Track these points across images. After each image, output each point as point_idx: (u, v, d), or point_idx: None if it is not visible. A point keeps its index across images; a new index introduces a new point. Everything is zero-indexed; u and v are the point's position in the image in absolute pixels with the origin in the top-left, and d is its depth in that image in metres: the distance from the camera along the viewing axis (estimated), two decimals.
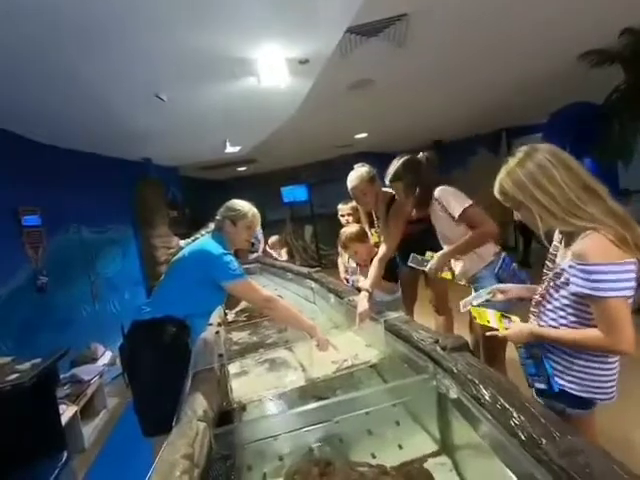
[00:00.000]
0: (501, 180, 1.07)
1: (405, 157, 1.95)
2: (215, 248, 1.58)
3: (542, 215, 1.00)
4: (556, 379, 1.07)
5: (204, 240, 1.66)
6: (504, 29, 2.63)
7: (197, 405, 1.16)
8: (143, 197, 4.63)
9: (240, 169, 7.06)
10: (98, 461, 2.45)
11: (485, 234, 1.77)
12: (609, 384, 1.04)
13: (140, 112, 2.88)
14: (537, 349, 1.10)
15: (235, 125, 3.67)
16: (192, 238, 1.74)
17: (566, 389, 1.06)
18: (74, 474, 1.92)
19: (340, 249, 2.90)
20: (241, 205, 1.75)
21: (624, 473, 0.62)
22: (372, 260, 2.08)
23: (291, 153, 6.32)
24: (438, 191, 1.86)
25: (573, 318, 1.02)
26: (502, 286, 1.34)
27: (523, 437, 0.80)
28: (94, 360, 3.10)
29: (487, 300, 1.34)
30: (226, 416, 1.29)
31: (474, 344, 1.88)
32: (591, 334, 0.96)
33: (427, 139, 6.65)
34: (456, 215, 1.78)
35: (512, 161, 1.05)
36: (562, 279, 1.02)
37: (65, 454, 1.79)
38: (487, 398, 0.95)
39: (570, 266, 0.97)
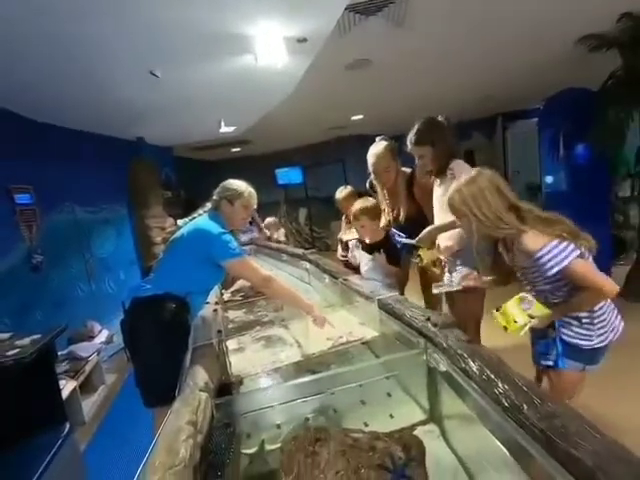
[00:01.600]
0: (452, 195, 1.32)
1: (428, 118, 1.81)
2: (214, 227, 1.59)
3: (477, 225, 1.27)
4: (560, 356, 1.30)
5: (202, 219, 1.67)
6: (503, 12, 2.60)
7: (198, 377, 1.21)
8: (137, 177, 4.58)
9: (234, 150, 6.97)
10: (98, 434, 2.54)
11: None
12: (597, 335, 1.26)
13: (134, 89, 2.82)
14: (552, 330, 1.31)
15: (230, 104, 3.61)
16: (190, 217, 1.75)
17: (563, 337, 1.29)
18: (76, 445, 1.98)
19: (344, 224, 2.93)
20: (238, 184, 1.76)
21: (595, 432, 0.69)
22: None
23: (286, 135, 6.24)
24: (455, 163, 1.76)
25: (555, 293, 1.28)
26: (472, 274, 1.55)
27: (507, 404, 0.86)
28: (91, 338, 3.15)
29: (458, 285, 1.54)
30: (225, 388, 1.35)
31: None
32: (583, 295, 1.19)
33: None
34: None
35: (461, 182, 1.31)
36: (532, 274, 1.29)
37: (67, 425, 1.84)
38: (474, 370, 1.01)
39: (531, 264, 1.24)
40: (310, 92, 3.69)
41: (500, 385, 0.90)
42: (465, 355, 1.06)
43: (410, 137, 1.85)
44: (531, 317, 1.23)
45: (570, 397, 1.34)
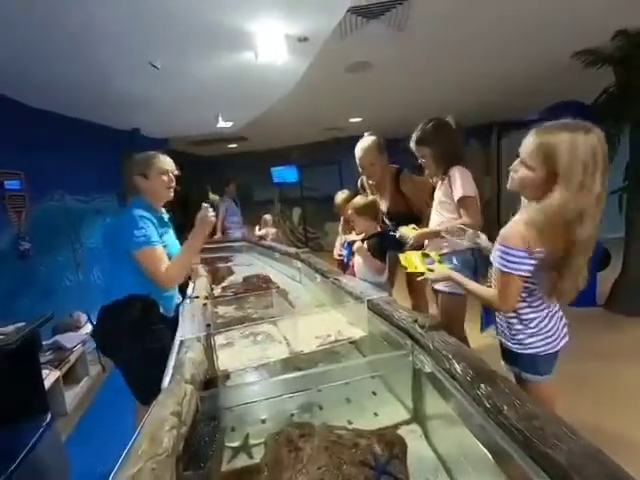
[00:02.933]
0: (535, 139, 1.12)
1: (435, 119, 1.80)
2: (125, 215, 1.51)
3: (551, 185, 1.06)
4: (492, 326, 1.40)
5: (123, 211, 1.60)
6: (503, 20, 2.65)
7: (185, 370, 1.21)
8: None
9: (231, 146, 6.95)
10: (80, 425, 2.51)
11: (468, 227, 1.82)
12: (543, 339, 1.27)
13: (133, 79, 2.81)
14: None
15: (228, 99, 3.61)
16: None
17: (511, 348, 1.32)
18: (58, 435, 1.96)
19: (341, 226, 2.96)
20: (146, 154, 1.66)
21: (571, 434, 0.71)
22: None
23: (283, 133, 6.25)
24: (455, 169, 1.78)
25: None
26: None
27: (488, 405, 0.88)
28: (77, 328, 3.11)
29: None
30: (212, 382, 1.35)
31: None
32: (488, 291, 1.28)
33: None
34: (457, 196, 1.73)
35: (554, 127, 1.09)
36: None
37: (49, 415, 1.82)
38: (459, 371, 1.03)
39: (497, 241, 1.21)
40: (309, 92, 3.70)
41: (482, 386, 0.92)
42: (450, 356, 1.08)
43: (413, 136, 1.85)
44: (430, 270, 1.39)
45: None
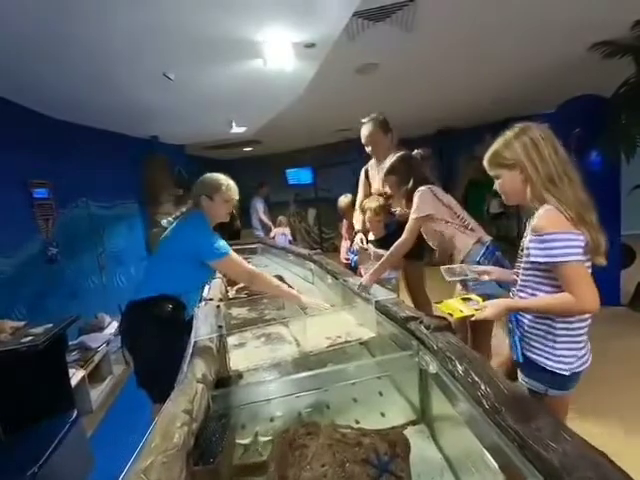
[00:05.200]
0: (497, 147, 1.18)
1: (401, 152, 2.02)
2: (197, 227, 1.61)
3: (523, 183, 1.11)
4: (523, 351, 1.17)
5: (186, 219, 1.68)
6: (515, 18, 2.60)
7: (197, 369, 1.26)
8: (149, 174, 4.70)
9: (246, 149, 7.07)
10: (104, 422, 2.63)
11: (400, 246, 1.89)
12: (571, 357, 1.11)
13: (148, 90, 2.92)
14: (512, 325, 1.20)
15: (241, 106, 3.69)
16: (173, 217, 1.76)
17: (536, 362, 1.14)
18: (83, 431, 2.06)
19: (344, 229, 2.99)
20: (215, 178, 1.74)
21: (567, 435, 0.71)
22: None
23: (296, 136, 6.31)
24: (418, 190, 1.91)
25: (541, 288, 1.12)
26: (487, 268, 1.45)
27: (487, 406, 0.89)
28: (101, 329, 3.25)
29: (473, 279, 1.42)
30: (223, 381, 1.40)
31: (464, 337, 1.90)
32: (558, 297, 1.04)
33: (434, 126, 6.60)
34: (411, 216, 1.88)
35: (509, 133, 1.16)
36: (526, 256, 1.14)
37: (75, 412, 1.92)
38: (460, 372, 1.04)
39: (530, 240, 1.09)
40: (320, 95, 3.74)
41: (482, 387, 0.93)
42: (453, 357, 1.09)
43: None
44: (477, 310, 1.17)
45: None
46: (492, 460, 0.86)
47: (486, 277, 1.41)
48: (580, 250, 1.02)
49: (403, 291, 2.54)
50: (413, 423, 1.29)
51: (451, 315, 1.19)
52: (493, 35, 2.89)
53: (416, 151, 2.05)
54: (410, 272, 2.40)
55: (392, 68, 3.35)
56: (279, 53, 2.24)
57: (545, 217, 1.05)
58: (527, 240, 1.12)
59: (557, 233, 1.01)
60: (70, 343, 2.72)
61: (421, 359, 1.28)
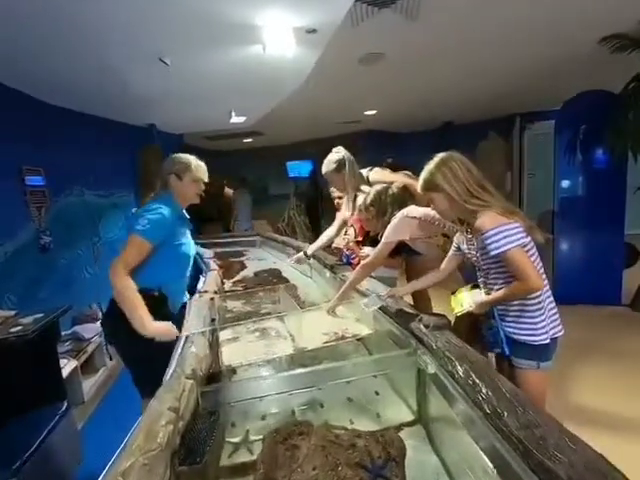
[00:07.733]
0: (424, 176, 1.39)
1: (377, 188, 2.11)
2: (151, 208, 1.54)
3: (449, 201, 1.32)
4: (513, 337, 1.32)
5: (148, 204, 1.61)
6: (523, 8, 2.52)
7: (186, 365, 1.21)
8: (146, 164, 4.61)
9: (246, 141, 6.98)
10: (96, 414, 2.60)
11: (366, 267, 1.89)
12: (539, 328, 1.28)
13: (145, 75, 2.83)
14: (493, 321, 1.35)
15: (240, 94, 3.60)
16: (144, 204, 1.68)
17: (510, 335, 1.32)
18: (74, 422, 2.03)
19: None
20: (185, 157, 1.70)
21: (573, 445, 0.67)
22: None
23: (298, 127, 6.21)
24: (395, 217, 1.93)
25: (503, 278, 1.31)
26: (392, 290, 1.69)
27: (488, 410, 0.84)
28: (95, 320, 3.20)
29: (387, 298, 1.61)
30: (215, 377, 1.36)
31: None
32: (512, 285, 1.24)
33: (438, 119, 6.50)
34: (382, 240, 1.90)
35: (432, 163, 1.37)
36: (482, 257, 1.34)
37: (65, 403, 1.88)
38: (460, 374, 0.99)
39: (480, 245, 1.29)
40: (322, 85, 3.65)
41: (483, 390, 0.88)
42: (452, 358, 1.05)
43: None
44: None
45: (542, 400, 1.32)
46: (490, 465, 0.82)
47: (390, 300, 1.60)
48: (520, 236, 1.20)
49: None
50: (409, 424, 1.25)
51: (452, 310, 1.35)
52: (501, 28, 2.81)
53: (394, 186, 2.11)
54: (411, 267, 2.36)
55: (397, 58, 3.27)
56: (279, 38, 2.16)
57: (482, 218, 1.25)
58: (476, 243, 1.33)
59: (495, 227, 1.20)
60: (63, 333, 2.67)
61: (419, 358, 1.23)
